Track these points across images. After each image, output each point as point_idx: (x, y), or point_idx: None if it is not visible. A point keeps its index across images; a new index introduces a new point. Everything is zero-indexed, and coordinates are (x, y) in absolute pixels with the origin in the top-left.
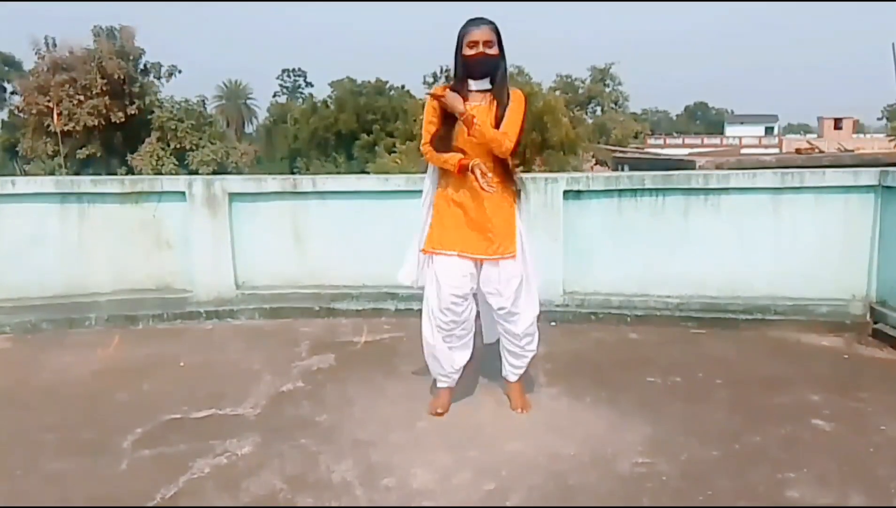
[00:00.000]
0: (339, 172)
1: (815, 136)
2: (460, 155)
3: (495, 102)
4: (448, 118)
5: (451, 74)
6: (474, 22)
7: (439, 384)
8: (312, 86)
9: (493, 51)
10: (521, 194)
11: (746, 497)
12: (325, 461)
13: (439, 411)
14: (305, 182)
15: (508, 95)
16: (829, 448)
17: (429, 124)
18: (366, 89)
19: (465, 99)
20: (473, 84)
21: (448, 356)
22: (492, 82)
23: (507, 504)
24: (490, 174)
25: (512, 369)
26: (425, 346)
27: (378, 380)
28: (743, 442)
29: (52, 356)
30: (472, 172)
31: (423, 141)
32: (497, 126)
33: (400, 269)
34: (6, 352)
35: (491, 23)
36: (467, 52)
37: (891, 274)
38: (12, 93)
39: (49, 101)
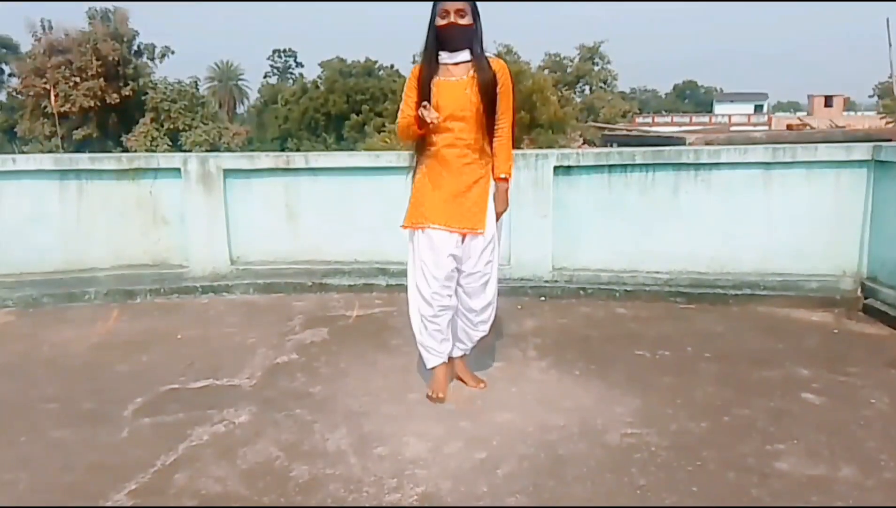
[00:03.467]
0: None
1: (805, 113)
2: (414, 115)
3: (477, 76)
4: (425, 95)
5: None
6: None
7: (430, 365)
8: (303, 66)
9: (466, 21)
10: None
11: (735, 469)
12: (320, 430)
13: (440, 395)
14: (298, 159)
15: (489, 64)
16: (819, 421)
17: (408, 98)
18: (355, 70)
19: (436, 73)
20: (447, 56)
21: (437, 329)
22: (470, 53)
23: (506, 505)
24: (433, 112)
25: (460, 345)
26: (414, 324)
27: (370, 353)
28: (732, 415)
29: (53, 330)
30: (420, 115)
31: (398, 118)
32: (483, 97)
33: None
34: (8, 326)
35: None
36: (439, 21)
37: (882, 250)
38: (10, 75)
39: (46, 83)
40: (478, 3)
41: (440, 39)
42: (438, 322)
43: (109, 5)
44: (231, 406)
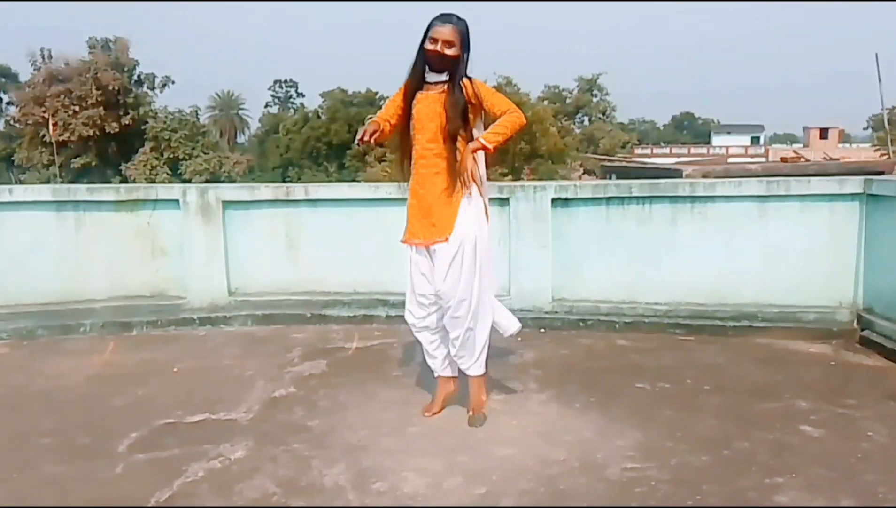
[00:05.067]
0: (330, 182)
1: (801, 145)
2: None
3: (447, 94)
4: (407, 103)
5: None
6: (442, 18)
7: (433, 371)
8: (304, 96)
9: (452, 52)
10: (482, 191)
11: (736, 502)
12: (318, 465)
13: (425, 413)
14: (298, 190)
15: (461, 88)
16: (818, 453)
17: (387, 106)
18: (357, 100)
19: (421, 88)
20: (430, 76)
21: (424, 342)
22: (450, 77)
23: (502, 505)
24: (368, 129)
25: (457, 361)
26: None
27: (369, 386)
28: (732, 448)
29: (47, 362)
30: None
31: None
32: (449, 111)
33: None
34: (2, 358)
35: (458, 22)
36: (428, 45)
37: (877, 281)
38: (8, 104)
39: (45, 111)
40: (470, 30)
41: (426, 60)
42: (419, 337)
43: (110, 35)
44: (227, 441)
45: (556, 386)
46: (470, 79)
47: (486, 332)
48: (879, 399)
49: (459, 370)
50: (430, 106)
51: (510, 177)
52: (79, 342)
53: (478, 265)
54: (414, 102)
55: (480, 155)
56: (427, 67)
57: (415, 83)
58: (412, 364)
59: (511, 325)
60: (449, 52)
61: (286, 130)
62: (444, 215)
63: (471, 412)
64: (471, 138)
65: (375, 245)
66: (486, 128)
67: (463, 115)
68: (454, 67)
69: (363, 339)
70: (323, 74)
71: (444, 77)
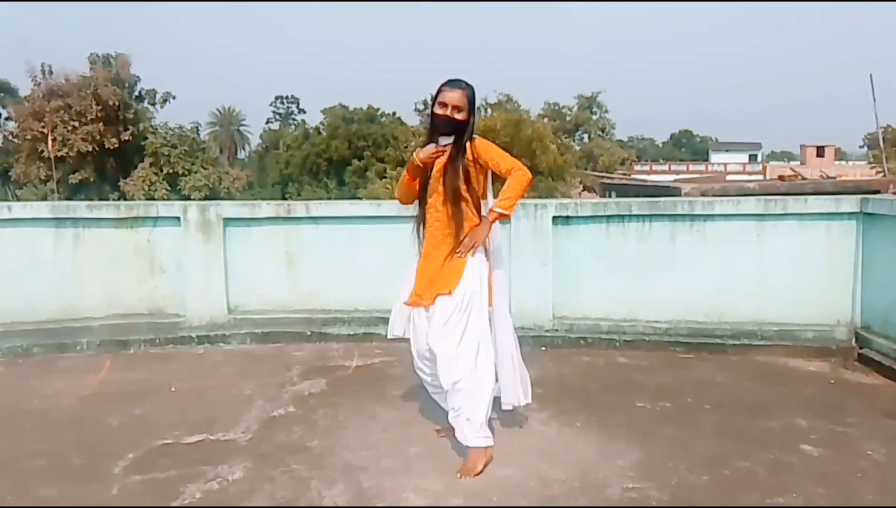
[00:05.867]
0: (330, 198)
1: (798, 163)
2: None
3: (448, 158)
4: (425, 174)
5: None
6: (451, 83)
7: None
8: (305, 113)
9: (461, 116)
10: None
11: None
12: (317, 486)
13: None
14: (299, 207)
15: (465, 151)
16: (817, 472)
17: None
18: (358, 116)
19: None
20: (443, 139)
21: (436, 398)
22: (455, 140)
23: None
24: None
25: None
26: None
27: (369, 405)
28: (732, 467)
29: (42, 381)
30: (415, 159)
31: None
32: (445, 175)
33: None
34: None
35: (467, 87)
36: (437, 110)
37: (874, 300)
38: (7, 119)
39: (43, 126)
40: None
41: (433, 123)
42: (429, 389)
43: (111, 50)
44: (225, 462)
45: (556, 405)
46: (472, 140)
47: (486, 395)
48: (877, 418)
49: None
50: (439, 169)
51: None
52: (75, 361)
53: (476, 321)
54: (435, 167)
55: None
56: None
57: (426, 147)
58: (413, 383)
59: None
60: (458, 116)
61: (286, 146)
62: (445, 272)
63: (459, 475)
64: (477, 198)
65: (376, 263)
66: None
67: (465, 176)
68: (461, 130)
69: (363, 357)
70: (324, 91)
71: (451, 140)
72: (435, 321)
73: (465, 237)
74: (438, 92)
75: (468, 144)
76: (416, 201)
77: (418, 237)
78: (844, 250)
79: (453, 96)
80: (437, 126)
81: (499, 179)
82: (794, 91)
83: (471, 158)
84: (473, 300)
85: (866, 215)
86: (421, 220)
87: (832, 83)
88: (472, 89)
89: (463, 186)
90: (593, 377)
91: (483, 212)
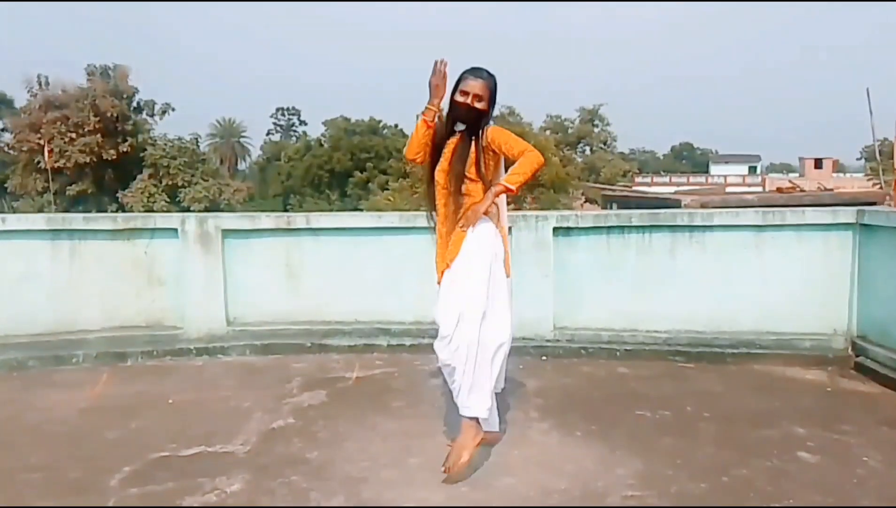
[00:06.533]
0: (332, 210)
1: (797, 175)
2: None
3: (458, 140)
4: (435, 149)
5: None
6: (474, 72)
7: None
8: (306, 124)
9: (481, 105)
10: (500, 225)
11: None
12: (316, 498)
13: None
14: (299, 219)
15: (479, 137)
16: (815, 480)
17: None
18: (360, 128)
19: (450, 138)
20: (459, 125)
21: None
22: (468, 127)
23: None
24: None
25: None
26: None
27: (370, 417)
28: (731, 475)
29: (38, 395)
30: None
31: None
32: (453, 158)
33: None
34: None
35: (489, 77)
36: (458, 98)
37: (870, 309)
38: (2, 130)
39: (40, 138)
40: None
41: (453, 111)
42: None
43: (110, 62)
44: (224, 474)
45: (557, 415)
46: (486, 127)
47: (490, 361)
48: (874, 426)
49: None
50: (450, 150)
51: (512, 206)
52: (71, 374)
53: (490, 279)
54: (444, 148)
55: (503, 196)
56: (455, 118)
57: (447, 131)
58: (413, 394)
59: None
60: (478, 105)
61: (288, 158)
62: (452, 247)
63: (445, 469)
64: (488, 182)
65: (377, 274)
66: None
67: (475, 161)
68: (480, 119)
69: (364, 368)
70: (326, 103)
71: (464, 127)
72: (439, 296)
73: (466, 210)
74: (460, 80)
75: (482, 132)
76: (426, 182)
77: (432, 218)
78: (841, 261)
79: (475, 85)
80: (457, 114)
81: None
82: (794, 103)
83: (484, 144)
84: (473, 267)
85: (863, 227)
86: (431, 199)
87: (831, 96)
88: (495, 80)
89: (471, 170)
90: (594, 387)
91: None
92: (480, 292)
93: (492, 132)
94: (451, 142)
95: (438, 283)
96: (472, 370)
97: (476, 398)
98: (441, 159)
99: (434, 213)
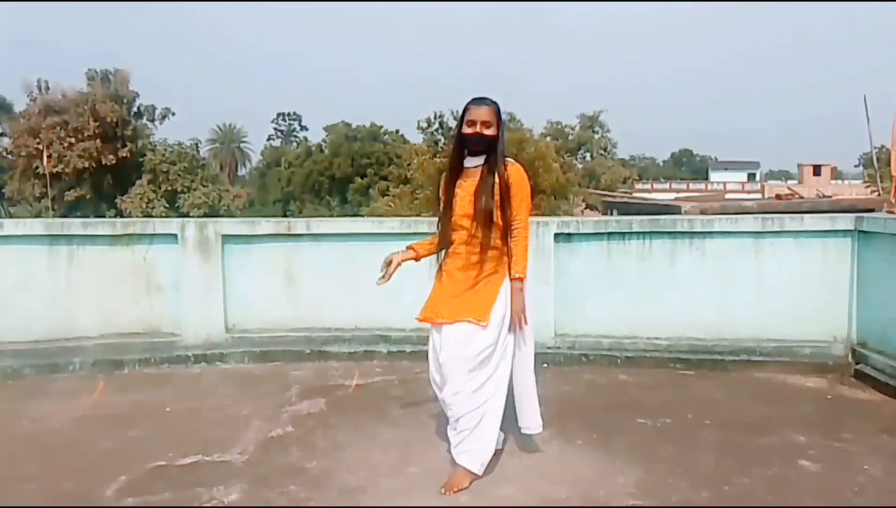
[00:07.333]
0: (332, 216)
1: (795, 182)
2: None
3: (481, 180)
4: (448, 190)
5: (450, 148)
6: (476, 101)
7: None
8: (307, 130)
9: (491, 131)
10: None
11: None
12: None
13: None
14: (300, 225)
15: (499, 172)
16: (815, 488)
17: (438, 203)
18: (360, 134)
19: (461, 176)
20: (469, 161)
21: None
22: (486, 159)
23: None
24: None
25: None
26: None
27: (369, 425)
28: (732, 483)
29: (33, 403)
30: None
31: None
32: (478, 198)
33: None
34: None
35: (493, 104)
36: (466, 129)
37: (869, 316)
38: (1, 135)
39: (39, 143)
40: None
41: (464, 144)
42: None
43: (110, 66)
44: (221, 484)
45: (558, 423)
46: (507, 163)
47: (492, 427)
48: (874, 433)
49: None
50: (469, 190)
51: None
52: (67, 382)
53: (504, 358)
54: (455, 187)
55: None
56: (466, 152)
57: (453, 174)
58: (413, 403)
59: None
60: (487, 132)
61: (288, 164)
62: (476, 299)
63: (443, 490)
64: (507, 223)
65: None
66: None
67: (500, 197)
68: (492, 147)
69: (363, 376)
70: (327, 108)
71: (481, 160)
72: (453, 343)
73: (511, 303)
74: (465, 111)
75: (504, 164)
76: (442, 219)
77: (439, 257)
78: (840, 268)
79: (481, 112)
80: (469, 145)
81: None
82: (792, 111)
83: (505, 177)
84: (502, 333)
85: (861, 233)
86: (444, 235)
87: (829, 103)
88: (498, 105)
89: (496, 211)
90: (595, 394)
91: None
92: (508, 373)
93: (514, 174)
94: (469, 183)
95: (426, 320)
96: (480, 435)
97: (481, 457)
98: (459, 201)
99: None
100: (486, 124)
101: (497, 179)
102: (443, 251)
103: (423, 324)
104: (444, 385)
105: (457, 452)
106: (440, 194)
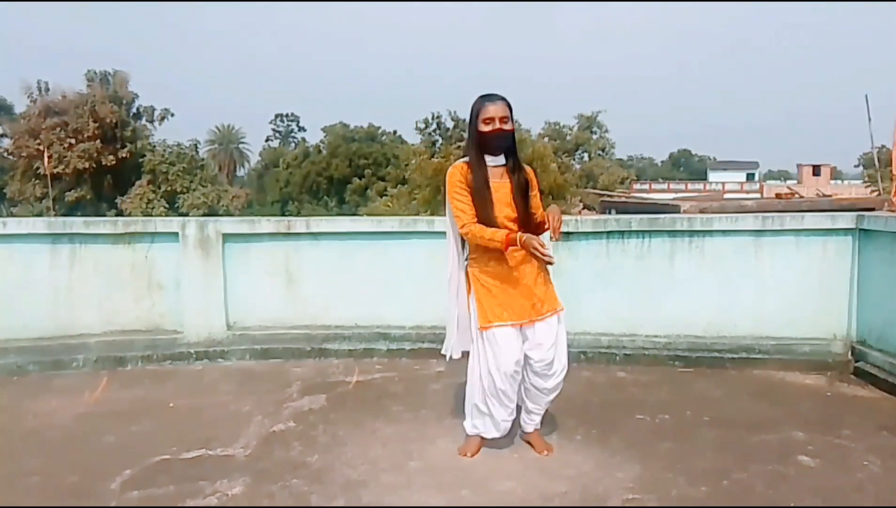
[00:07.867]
0: (330, 216)
1: (794, 182)
2: (506, 232)
3: (509, 178)
4: (478, 192)
5: (464, 148)
6: (489, 98)
7: (488, 436)
8: (305, 131)
9: (509, 126)
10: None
11: None
12: (316, 501)
13: (469, 455)
14: (299, 224)
15: (522, 169)
16: (814, 484)
17: (460, 201)
18: (358, 135)
19: (486, 176)
20: (490, 159)
21: (503, 415)
22: (506, 158)
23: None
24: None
25: (531, 422)
26: (475, 410)
27: (369, 421)
28: (731, 479)
29: (37, 400)
30: (525, 246)
31: (462, 222)
32: (522, 200)
33: (445, 343)
34: None
35: (504, 99)
36: (483, 128)
37: (869, 314)
38: (1, 136)
39: (39, 144)
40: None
41: (483, 143)
42: (510, 396)
43: (110, 67)
44: (224, 478)
45: (556, 420)
46: (527, 168)
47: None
48: (873, 430)
49: None
50: (504, 193)
51: None
52: (71, 379)
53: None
54: (487, 190)
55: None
56: (484, 150)
57: (481, 172)
58: (412, 399)
59: None
60: (507, 127)
61: (286, 165)
62: (548, 291)
63: (545, 452)
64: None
65: (377, 279)
66: None
67: (529, 199)
68: (512, 143)
69: (363, 373)
70: (325, 109)
71: (501, 160)
72: (549, 336)
73: (548, 225)
74: (478, 110)
75: (526, 170)
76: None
77: (461, 250)
78: (840, 266)
79: (497, 109)
80: (490, 142)
81: None
82: (792, 112)
83: (530, 179)
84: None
85: (862, 232)
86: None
87: (829, 103)
88: (509, 101)
89: (532, 205)
90: (593, 392)
91: None
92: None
93: (529, 170)
94: (499, 185)
95: (529, 322)
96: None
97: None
98: (497, 204)
99: (468, 255)
100: (504, 120)
101: (524, 173)
102: (465, 252)
103: (423, 323)
104: (549, 369)
105: (535, 423)
106: (457, 196)
